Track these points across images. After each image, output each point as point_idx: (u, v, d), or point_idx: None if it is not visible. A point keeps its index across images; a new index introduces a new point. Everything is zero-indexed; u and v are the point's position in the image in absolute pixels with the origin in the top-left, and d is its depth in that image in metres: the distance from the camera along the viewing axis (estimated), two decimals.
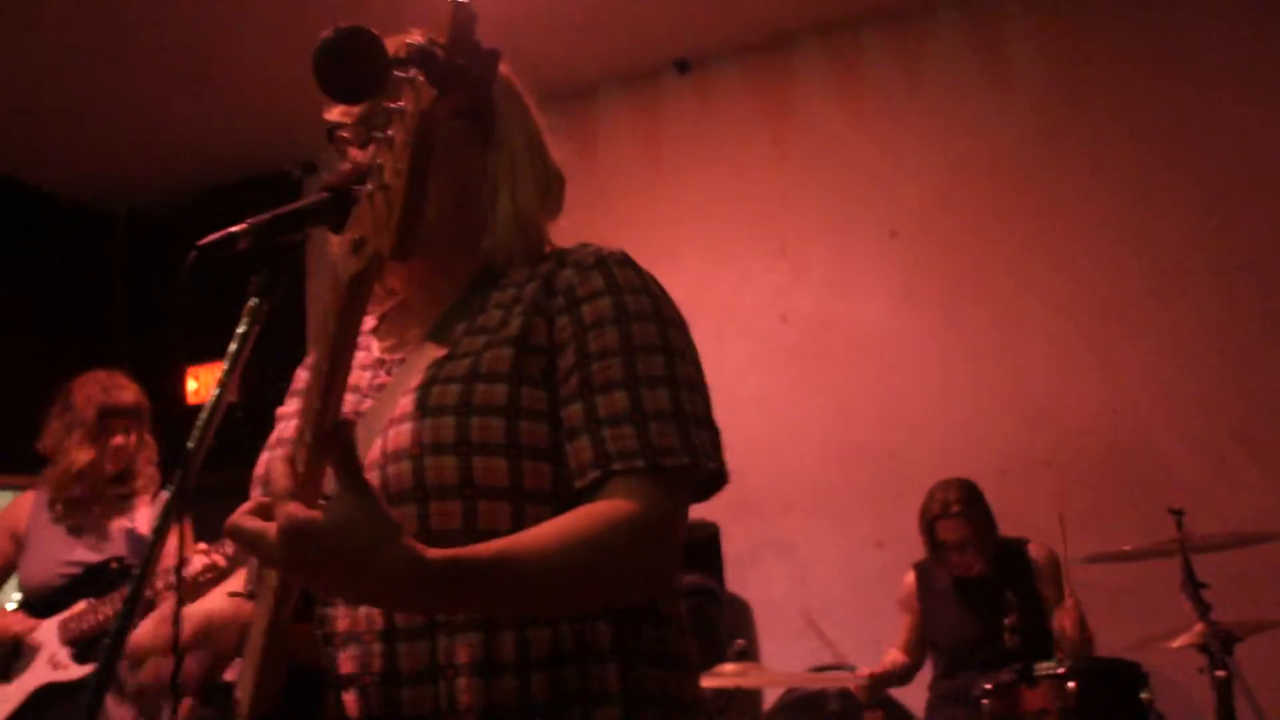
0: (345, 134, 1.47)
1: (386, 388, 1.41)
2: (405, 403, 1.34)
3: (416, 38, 0.95)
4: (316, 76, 1.00)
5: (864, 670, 4.52)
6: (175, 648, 1.19)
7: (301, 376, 1.65)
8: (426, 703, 1.28)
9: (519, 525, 1.28)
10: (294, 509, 1.05)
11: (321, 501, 1.09)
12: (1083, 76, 5.38)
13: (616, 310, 1.37)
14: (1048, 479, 4.95)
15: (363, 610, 1.31)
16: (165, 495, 3.83)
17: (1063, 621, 4.06)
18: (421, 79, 0.92)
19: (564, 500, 1.31)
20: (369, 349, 1.53)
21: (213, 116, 6.49)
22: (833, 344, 5.62)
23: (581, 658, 1.30)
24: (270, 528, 1.07)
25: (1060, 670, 3.68)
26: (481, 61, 0.95)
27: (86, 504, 3.82)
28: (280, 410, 1.61)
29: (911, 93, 5.67)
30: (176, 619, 1.17)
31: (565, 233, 1.58)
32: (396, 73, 0.95)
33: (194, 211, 7.32)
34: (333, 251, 1.53)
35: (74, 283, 7.45)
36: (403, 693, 1.28)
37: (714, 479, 1.39)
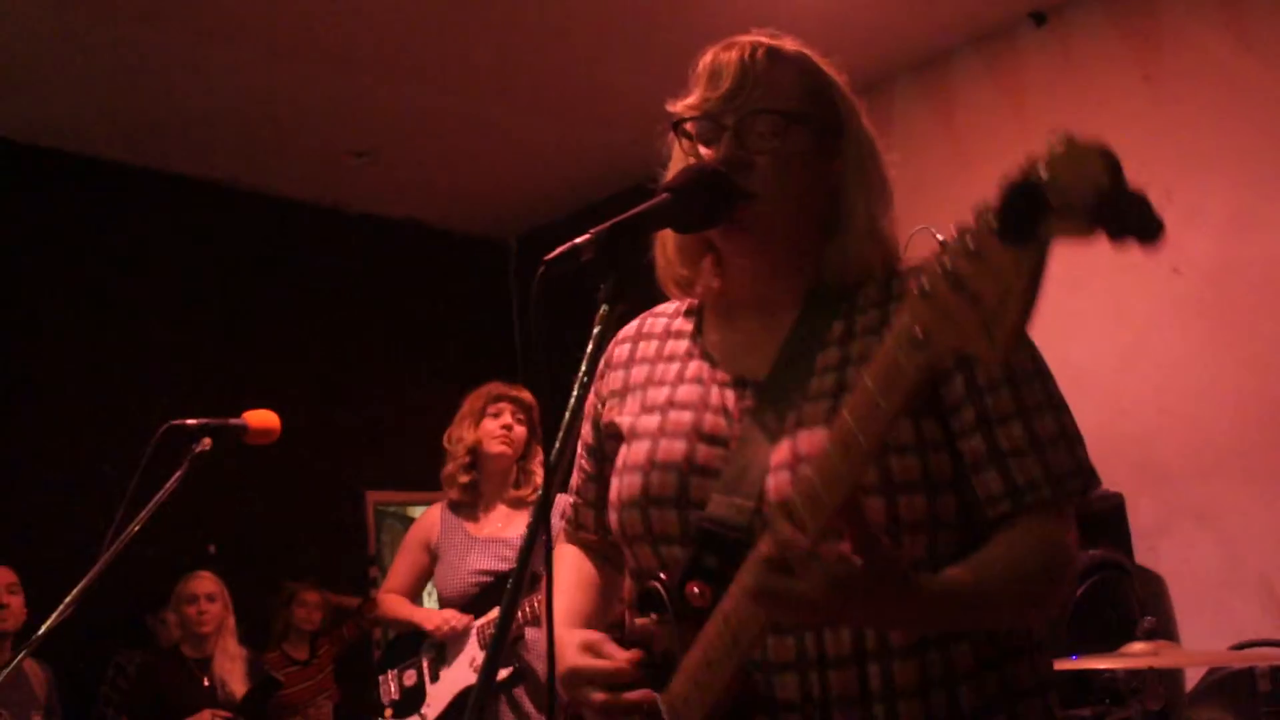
0: (690, 127, 1.48)
1: (748, 424, 1.42)
2: (804, 442, 1.36)
3: (1057, 176, 0.96)
4: (998, 224, 1.00)
5: None
6: (550, 658, 1.25)
7: (614, 375, 1.64)
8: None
9: (933, 555, 1.35)
10: (841, 559, 1.14)
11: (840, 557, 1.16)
12: None
13: None
14: None
15: (789, 639, 1.35)
16: (563, 497, 4.02)
17: None
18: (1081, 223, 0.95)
19: (969, 528, 1.37)
20: (691, 355, 1.55)
21: (580, 142, 6.84)
22: (1237, 292, 5.16)
23: (999, 663, 1.37)
24: (799, 584, 1.14)
25: None
26: (1144, 210, 0.95)
27: (481, 500, 3.98)
28: (624, 422, 1.57)
29: None
30: (550, 637, 1.24)
31: (930, 206, 1.54)
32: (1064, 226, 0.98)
33: (575, 232, 7.68)
34: (667, 252, 1.56)
35: (473, 312, 8.02)
36: (834, 716, 1.33)
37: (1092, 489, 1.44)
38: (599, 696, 1.40)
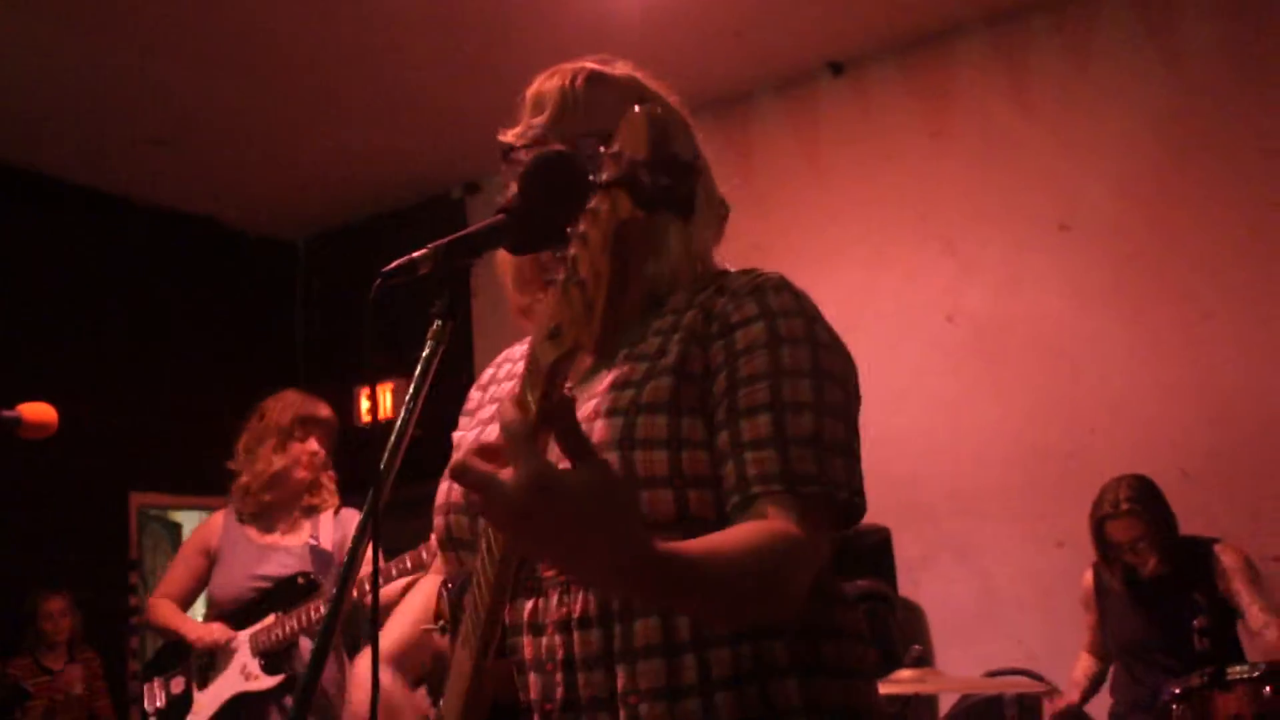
0: (520, 155, 1.50)
1: None
2: None
3: (617, 148, 0.96)
4: (523, 195, 1.01)
5: (1060, 700, 4.40)
6: (374, 686, 1.22)
7: (474, 397, 1.68)
8: None
9: None
10: (545, 460, 1.00)
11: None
12: (1260, 53, 5.15)
13: (768, 334, 1.36)
14: (1236, 478, 4.76)
15: (545, 640, 1.35)
16: (347, 511, 4.00)
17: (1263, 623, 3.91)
18: (623, 194, 0.93)
19: (726, 525, 1.32)
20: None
21: (376, 146, 6.74)
22: (1005, 343, 5.50)
23: (762, 675, 1.31)
24: (505, 474, 1.01)
25: (1256, 674, 3.52)
26: (683, 179, 0.95)
27: (274, 514, 3.94)
28: (456, 435, 1.64)
29: (1081, 77, 5.49)
30: (375, 657, 1.20)
31: (724, 241, 1.58)
32: (598, 183, 0.96)
33: (364, 237, 7.58)
34: (504, 275, 1.58)
35: (257, 311, 7.81)
36: (583, 719, 1.32)
37: (850, 510, 1.35)
38: None
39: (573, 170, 1.09)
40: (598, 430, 1.34)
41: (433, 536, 1.59)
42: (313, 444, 3.93)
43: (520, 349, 1.68)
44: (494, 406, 1.59)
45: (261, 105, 6.22)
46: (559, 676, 1.33)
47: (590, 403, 1.39)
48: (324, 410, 4.02)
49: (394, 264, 1.24)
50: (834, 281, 5.46)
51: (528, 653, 1.36)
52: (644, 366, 1.39)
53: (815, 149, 6.07)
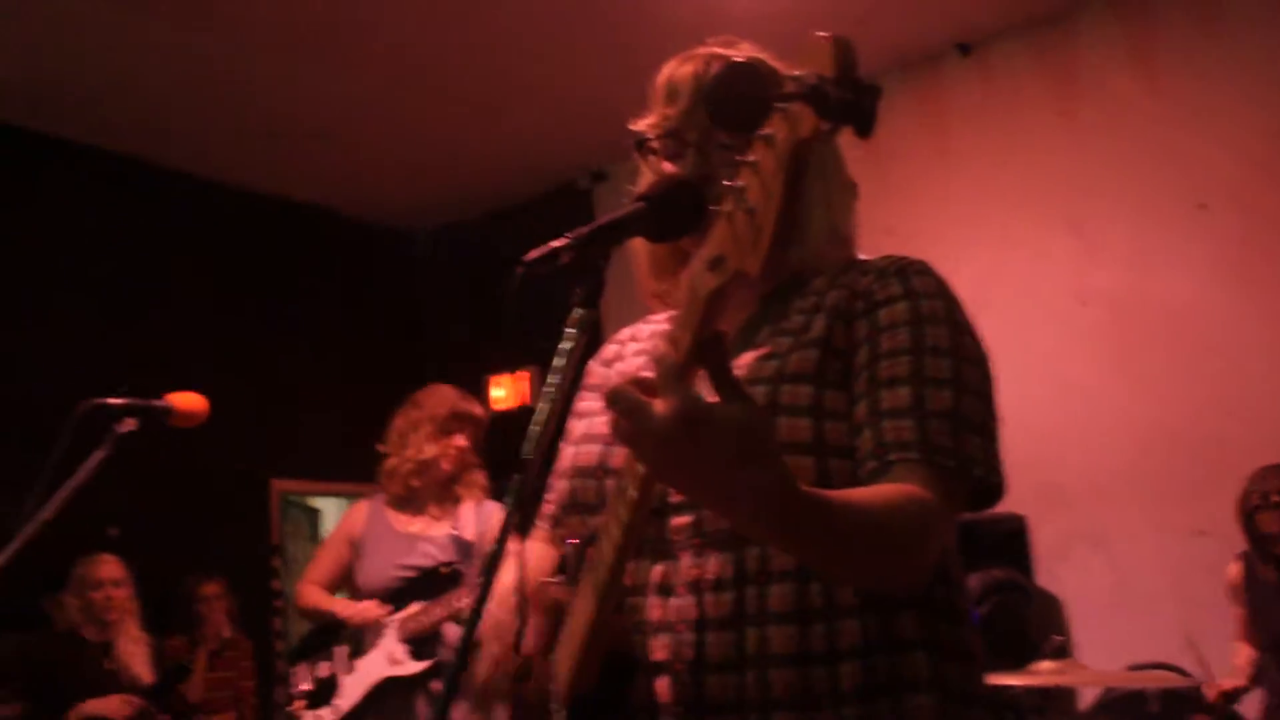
0: (654, 145, 1.52)
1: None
2: None
3: (798, 71, 0.95)
4: (709, 108, 1.03)
5: (1214, 686, 4.27)
6: (517, 644, 1.25)
7: (596, 371, 1.71)
8: (732, 691, 1.32)
9: None
10: (695, 393, 1.02)
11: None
12: None
13: (911, 313, 1.39)
14: None
15: (675, 601, 1.37)
16: (490, 504, 4.06)
17: None
18: (807, 110, 0.93)
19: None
20: (659, 346, 1.59)
21: (502, 136, 6.80)
22: (1138, 325, 5.35)
23: (890, 647, 1.32)
24: (656, 402, 1.03)
25: None
26: (867, 97, 0.95)
27: (417, 501, 4.02)
28: (578, 406, 1.67)
29: (1213, 51, 5.31)
30: (522, 615, 1.24)
31: (856, 229, 1.58)
32: (777, 104, 0.96)
33: (490, 228, 7.67)
34: (639, 263, 1.60)
35: (387, 303, 7.97)
36: (709, 680, 1.33)
37: (987, 491, 1.35)
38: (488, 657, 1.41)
39: (757, 86, 1.08)
40: None
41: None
42: (461, 439, 4.01)
43: (647, 327, 1.70)
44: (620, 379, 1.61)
45: (387, 98, 6.33)
46: (689, 637, 1.35)
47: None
48: (477, 409, 4.12)
49: (535, 253, 1.26)
50: (963, 264, 5.34)
51: (654, 614, 1.38)
52: (788, 341, 1.42)
53: (943, 131, 5.98)
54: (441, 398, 4.09)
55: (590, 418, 1.59)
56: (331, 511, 8.77)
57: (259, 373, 7.02)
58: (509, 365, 7.26)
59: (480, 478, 4.09)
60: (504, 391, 7.28)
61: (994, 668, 3.36)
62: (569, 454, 1.57)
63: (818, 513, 1.13)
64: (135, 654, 4.88)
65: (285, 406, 7.12)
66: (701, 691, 1.33)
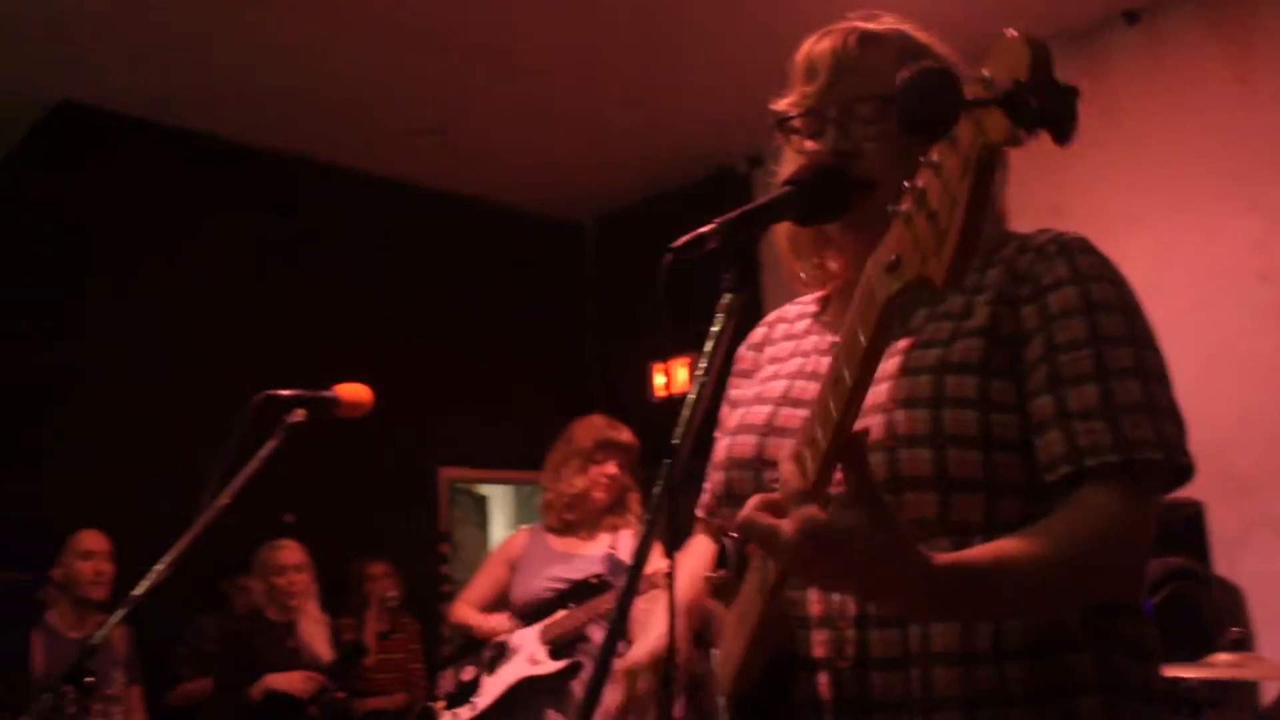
0: (795, 124, 1.49)
1: None
2: (874, 393, 1.34)
3: (988, 73, 0.93)
4: (900, 112, 1.02)
5: None
6: (671, 656, 1.26)
7: (746, 356, 1.69)
8: (898, 688, 1.29)
9: (991, 518, 1.29)
10: (813, 512, 1.08)
11: (831, 505, 1.11)
12: None
13: (1082, 300, 1.33)
14: None
15: (836, 597, 1.35)
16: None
17: None
18: (999, 114, 0.90)
19: (1035, 492, 1.30)
20: (809, 332, 1.57)
21: (659, 124, 6.83)
22: None
23: (1058, 648, 1.28)
24: (784, 525, 1.10)
25: None
26: (1066, 101, 0.92)
27: (576, 530, 4.10)
28: (733, 394, 1.65)
29: None
30: (672, 622, 1.25)
31: (1020, 205, 1.53)
32: (970, 108, 0.94)
33: (651, 215, 7.70)
34: (782, 245, 1.58)
35: (549, 293, 8.09)
36: (874, 678, 1.31)
37: (1180, 473, 1.32)
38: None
39: (950, 90, 1.07)
40: (902, 387, 1.33)
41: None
42: (611, 467, 4.07)
43: (794, 309, 1.67)
44: (775, 366, 1.60)
45: (544, 89, 6.42)
46: (851, 634, 1.33)
47: (890, 360, 1.37)
48: (625, 435, 4.15)
49: (682, 239, 1.25)
50: (1135, 241, 5.19)
51: (816, 609, 1.36)
52: (949, 326, 1.37)
53: (1111, 103, 5.76)
54: (588, 429, 4.16)
55: (744, 406, 1.57)
56: (497, 499, 8.96)
57: (429, 365, 7.21)
58: (672, 352, 7.28)
59: (637, 508, 4.14)
60: (665, 379, 7.31)
61: (1169, 659, 3.25)
62: (723, 445, 1.55)
63: (962, 582, 1.16)
64: (316, 634, 5.06)
65: (453, 397, 7.28)
66: (865, 690, 1.31)
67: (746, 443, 1.50)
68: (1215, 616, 4.44)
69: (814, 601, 1.36)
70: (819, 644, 1.35)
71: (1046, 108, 0.90)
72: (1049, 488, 1.28)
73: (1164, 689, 1.38)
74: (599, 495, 4.06)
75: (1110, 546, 1.24)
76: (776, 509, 1.12)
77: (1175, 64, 5.61)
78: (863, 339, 1.05)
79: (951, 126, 0.94)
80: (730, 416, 1.60)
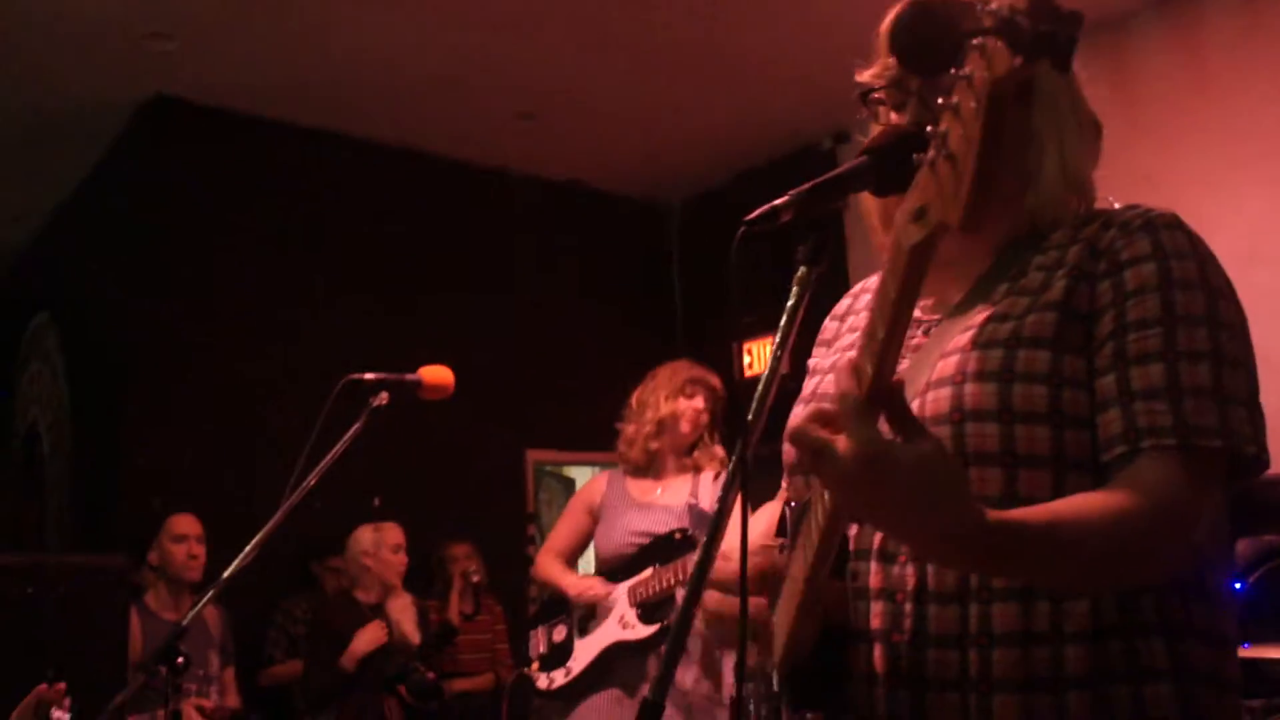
0: (879, 96, 1.46)
1: (924, 348, 1.40)
2: (945, 366, 1.32)
3: (994, 3, 0.91)
4: (894, 51, 1.00)
5: None
6: (744, 603, 1.21)
7: (829, 327, 1.67)
8: (953, 667, 1.27)
9: (1059, 494, 1.25)
10: (874, 433, 1.04)
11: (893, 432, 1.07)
12: None
13: (1160, 277, 1.28)
14: None
15: (896, 569, 1.32)
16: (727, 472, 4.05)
17: None
18: (1000, 45, 0.89)
19: (1099, 469, 1.26)
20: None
21: (742, 102, 6.79)
22: None
23: (1126, 631, 1.24)
24: (840, 441, 1.05)
25: None
26: (1067, 26, 0.90)
27: (657, 466, 4.06)
28: (811, 363, 1.63)
29: None
30: (743, 582, 1.20)
31: (1106, 179, 1.48)
32: (972, 41, 0.92)
33: (737, 196, 7.65)
34: (870, 218, 1.55)
35: (639, 274, 8.09)
36: (930, 655, 1.28)
37: (1254, 464, 1.25)
38: (712, 598, 1.37)
39: (939, 25, 1.04)
40: (972, 360, 1.30)
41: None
42: (699, 401, 4.03)
43: (878, 279, 1.63)
44: (852, 335, 1.57)
45: (628, 72, 6.40)
46: (908, 608, 1.30)
47: (965, 334, 1.34)
48: (714, 379, 4.13)
49: (755, 212, 1.22)
50: (1230, 211, 5.04)
51: (874, 580, 1.34)
52: (1025, 301, 1.34)
53: (1202, 68, 5.58)
54: (678, 365, 4.15)
55: (820, 375, 1.56)
56: (585, 480, 8.99)
57: (515, 347, 7.25)
58: (759, 331, 7.23)
59: (719, 451, 4.09)
60: (751, 358, 7.28)
61: (1262, 639, 3.15)
62: (797, 414, 1.52)
63: (1012, 540, 1.12)
64: (405, 615, 5.11)
65: (541, 379, 7.32)
66: (920, 666, 1.28)
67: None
68: None
69: (874, 573, 1.34)
70: (876, 616, 1.32)
71: (1040, 33, 0.88)
72: (1105, 467, 1.25)
73: (1237, 675, 1.32)
74: (686, 427, 4.02)
75: (1161, 530, 1.20)
76: (829, 421, 1.08)
77: (1273, 22, 5.41)
78: (892, 291, 1.03)
79: (957, 61, 0.92)
80: (808, 385, 1.59)
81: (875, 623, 1.32)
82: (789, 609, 1.28)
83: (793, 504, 1.37)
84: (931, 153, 0.96)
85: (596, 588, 3.96)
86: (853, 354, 1.13)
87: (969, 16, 0.93)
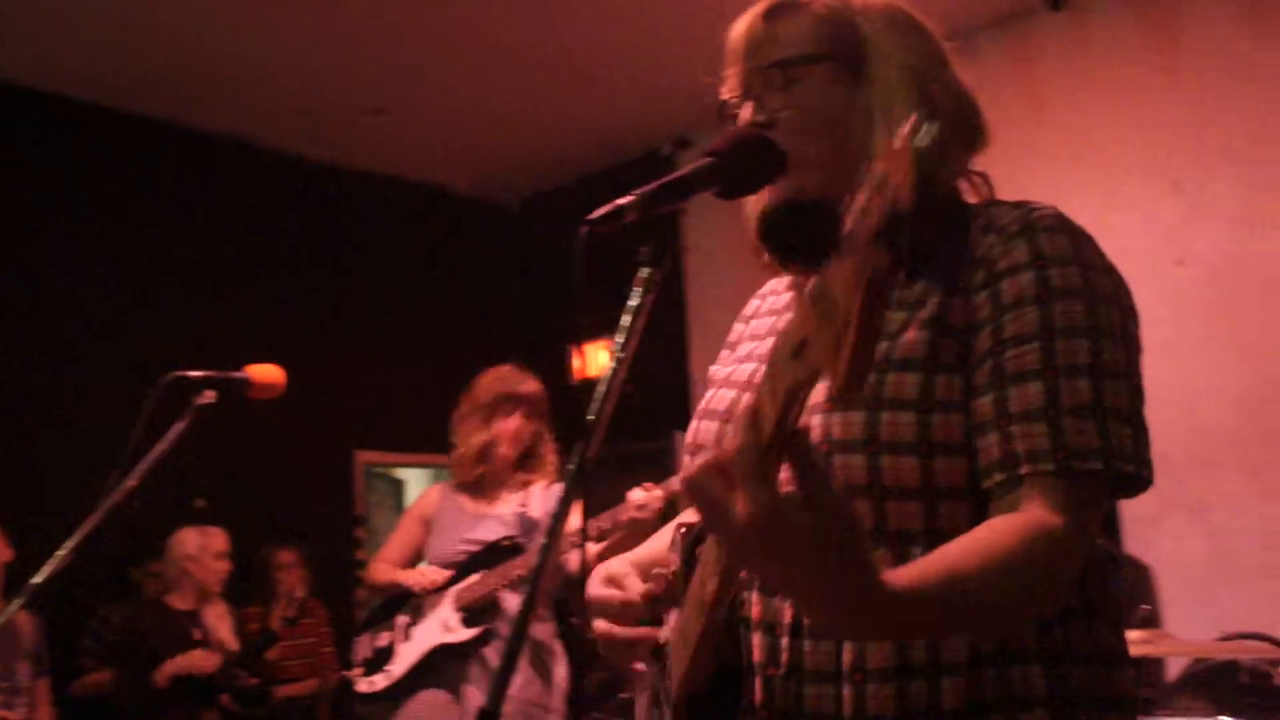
0: (731, 106, 1.43)
1: None
2: (816, 390, 1.28)
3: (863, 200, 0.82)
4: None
5: None
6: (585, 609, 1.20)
7: (736, 329, 1.62)
8: (829, 703, 1.24)
9: (932, 523, 1.23)
10: (771, 498, 0.93)
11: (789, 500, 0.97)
12: None
13: (1038, 287, 1.24)
14: None
15: (775, 601, 1.29)
16: (559, 484, 4.04)
17: None
18: (883, 253, 0.79)
19: (980, 495, 1.23)
20: (790, 307, 1.48)
21: (584, 106, 6.79)
22: (1239, 288, 5.16)
23: (1002, 660, 1.22)
24: (736, 501, 0.94)
25: None
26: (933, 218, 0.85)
27: (486, 486, 4.06)
28: (712, 370, 1.58)
29: None
30: (583, 580, 1.18)
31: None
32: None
33: (577, 198, 7.64)
34: (746, 224, 1.50)
35: (475, 274, 8.01)
36: (807, 690, 1.26)
37: (1135, 481, 1.23)
38: (602, 625, 1.35)
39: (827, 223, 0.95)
40: None
41: (630, 493, 1.57)
42: (514, 421, 4.02)
43: (785, 280, 1.57)
44: (752, 344, 1.53)
45: (469, 71, 6.33)
46: (785, 641, 1.27)
47: None
48: (526, 386, 4.09)
49: (599, 211, 1.19)
50: None
51: (754, 611, 1.31)
52: (901, 317, 1.28)
53: (1035, 89, 5.79)
54: (489, 382, 4.11)
55: (716, 388, 1.50)
56: (415, 482, 8.86)
57: (347, 345, 7.10)
58: (595, 333, 7.21)
59: (551, 456, 4.11)
60: (581, 361, 7.25)
61: None
62: (690, 429, 1.49)
63: (913, 609, 1.05)
64: (222, 624, 4.97)
65: (371, 379, 7.18)
66: (796, 701, 1.25)
67: (709, 429, 1.45)
68: (1126, 595, 4.51)
69: (755, 603, 1.31)
70: (756, 648, 1.30)
71: (919, 242, 0.82)
72: (986, 493, 1.22)
73: (1127, 693, 1.29)
74: (504, 451, 4.03)
75: (1051, 566, 1.15)
76: (728, 474, 0.97)
77: (1100, 50, 5.65)
78: (766, 421, 0.93)
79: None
80: (705, 398, 1.53)
81: (755, 655, 1.29)
82: (690, 634, 1.23)
83: (686, 529, 1.34)
84: (811, 287, 0.86)
85: (432, 574, 3.96)
86: (749, 396, 1.03)
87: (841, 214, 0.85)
